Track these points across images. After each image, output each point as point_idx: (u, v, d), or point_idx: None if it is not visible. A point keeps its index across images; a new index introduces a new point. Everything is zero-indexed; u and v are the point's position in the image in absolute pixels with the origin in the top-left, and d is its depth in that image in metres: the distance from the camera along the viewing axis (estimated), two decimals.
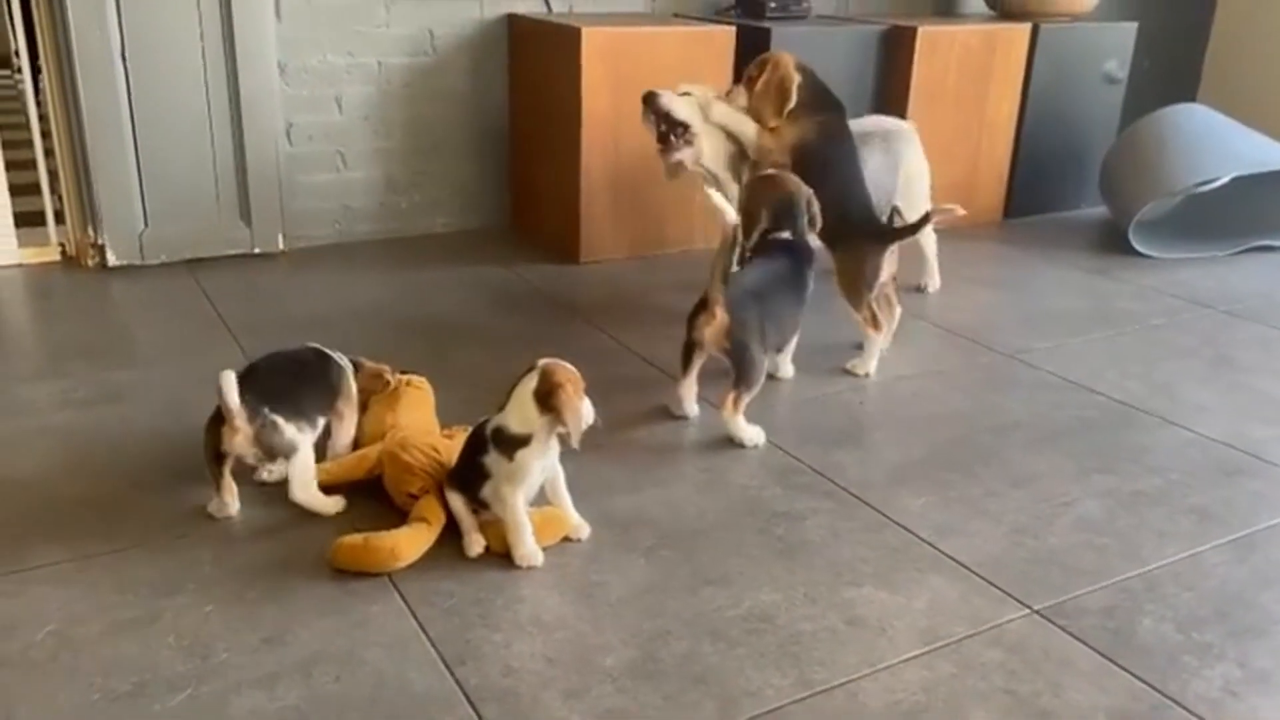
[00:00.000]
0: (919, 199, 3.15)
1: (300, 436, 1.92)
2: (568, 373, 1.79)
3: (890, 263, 2.62)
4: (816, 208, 2.43)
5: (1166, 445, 2.36)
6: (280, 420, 1.89)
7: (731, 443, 2.28)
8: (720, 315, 2.19)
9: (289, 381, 1.96)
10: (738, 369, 2.24)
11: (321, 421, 2.02)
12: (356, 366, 2.15)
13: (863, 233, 2.60)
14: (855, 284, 2.59)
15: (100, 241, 3.20)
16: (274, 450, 1.90)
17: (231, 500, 1.93)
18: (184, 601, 1.70)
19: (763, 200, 2.45)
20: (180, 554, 1.83)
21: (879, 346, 2.65)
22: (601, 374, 2.34)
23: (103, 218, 3.17)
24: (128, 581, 1.75)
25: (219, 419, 1.86)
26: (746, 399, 2.26)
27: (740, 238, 2.36)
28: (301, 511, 1.94)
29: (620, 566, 1.84)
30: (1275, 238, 3.80)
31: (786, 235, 2.41)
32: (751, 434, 2.26)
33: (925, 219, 2.61)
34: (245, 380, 1.87)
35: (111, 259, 3.22)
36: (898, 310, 2.77)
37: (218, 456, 1.89)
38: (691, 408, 2.39)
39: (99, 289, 3.10)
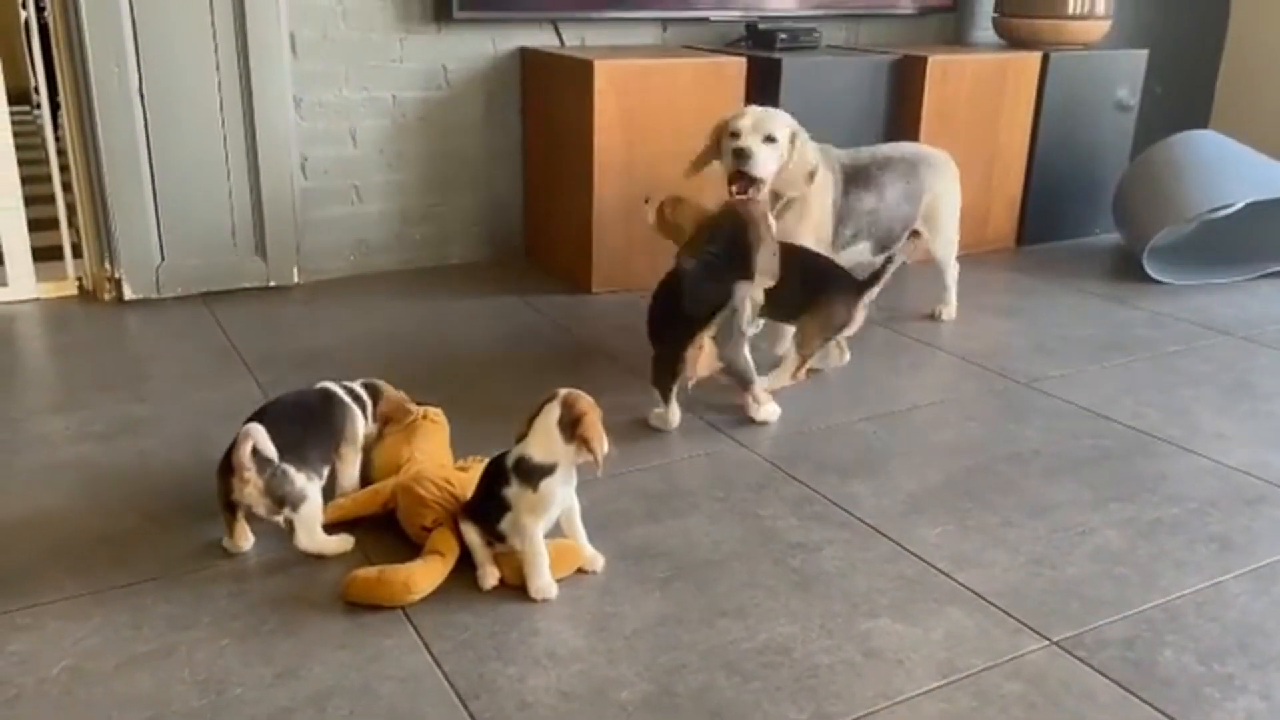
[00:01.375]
0: (946, 226, 3.19)
1: (310, 486, 1.90)
2: (589, 401, 1.80)
3: (860, 317, 2.69)
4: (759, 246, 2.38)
5: (1185, 473, 2.34)
6: (291, 470, 1.86)
7: (746, 469, 2.28)
8: (707, 345, 2.38)
9: (298, 429, 1.93)
10: (739, 377, 2.48)
11: (326, 470, 1.99)
12: (377, 393, 2.13)
13: (839, 288, 2.67)
14: (814, 335, 2.66)
15: (117, 275, 3.23)
16: (284, 500, 1.86)
17: (245, 540, 1.92)
18: (199, 636, 1.70)
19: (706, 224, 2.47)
20: (195, 588, 1.83)
21: (785, 383, 2.67)
22: (614, 404, 2.34)
23: (119, 252, 3.19)
24: (143, 615, 1.75)
25: (229, 467, 1.83)
26: (756, 390, 2.50)
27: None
28: None
29: (635, 599, 1.83)
30: None
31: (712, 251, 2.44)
32: (771, 410, 2.54)
33: (887, 264, 2.66)
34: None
35: (128, 292, 3.24)
36: (847, 356, 2.87)
37: (229, 505, 1.88)
38: (675, 418, 2.49)
39: (115, 322, 3.12)
